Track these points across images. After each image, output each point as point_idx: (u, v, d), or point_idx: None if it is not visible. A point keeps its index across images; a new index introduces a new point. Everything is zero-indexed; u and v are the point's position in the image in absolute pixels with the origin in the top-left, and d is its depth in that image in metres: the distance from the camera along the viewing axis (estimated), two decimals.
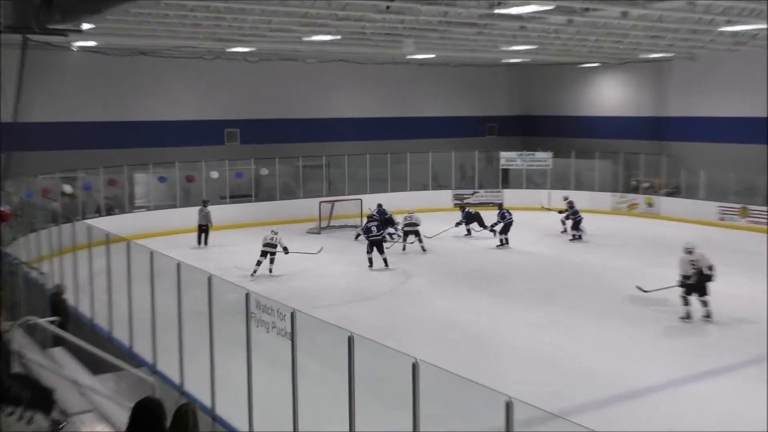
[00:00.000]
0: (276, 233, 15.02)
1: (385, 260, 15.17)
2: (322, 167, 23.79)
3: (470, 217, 19.08)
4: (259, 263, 14.65)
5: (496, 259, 15.96)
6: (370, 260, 14.97)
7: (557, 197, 22.79)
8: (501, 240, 17.16)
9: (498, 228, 17.73)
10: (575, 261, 15.75)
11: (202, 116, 22.14)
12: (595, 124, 26.43)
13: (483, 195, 25.14)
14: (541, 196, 24.45)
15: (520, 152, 25.50)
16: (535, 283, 14.11)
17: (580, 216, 18.50)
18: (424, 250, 16.73)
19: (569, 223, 18.75)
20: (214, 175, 20.98)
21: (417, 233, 17.24)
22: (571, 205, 18.70)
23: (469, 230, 18.88)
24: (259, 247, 15.14)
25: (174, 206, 20.22)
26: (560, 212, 19.12)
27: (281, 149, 23.71)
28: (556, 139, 27.53)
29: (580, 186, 24.61)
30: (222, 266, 14.87)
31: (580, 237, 17.99)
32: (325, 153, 23.92)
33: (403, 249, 16.71)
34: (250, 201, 22.26)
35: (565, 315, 11.80)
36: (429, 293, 13.33)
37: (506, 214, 17.64)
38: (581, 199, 21.97)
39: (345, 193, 23.25)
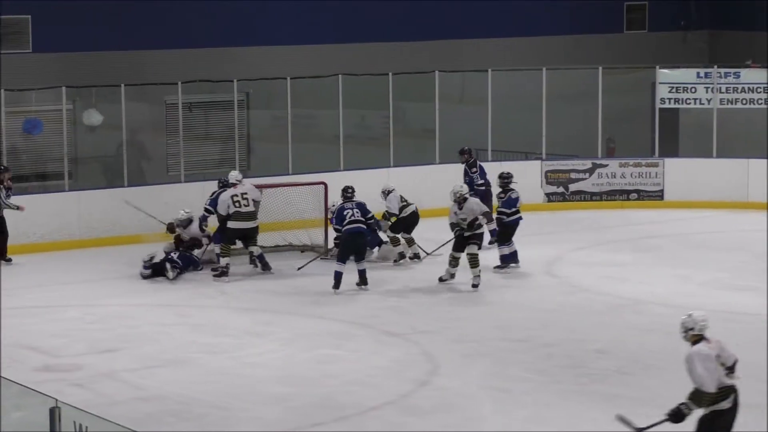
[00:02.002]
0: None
1: None
2: (233, 108, 20.63)
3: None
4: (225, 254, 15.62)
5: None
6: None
7: None
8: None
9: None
10: None
11: None
12: None
13: (617, 171, 21.78)
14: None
15: (703, 68, 22.57)
16: None
17: (512, 214, 16.42)
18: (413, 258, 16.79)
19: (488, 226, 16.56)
20: None
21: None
22: (505, 182, 16.63)
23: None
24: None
25: None
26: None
27: (133, 67, 21.37)
28: None
29: None
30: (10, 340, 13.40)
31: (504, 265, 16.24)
32: (238, 75, 20.81)
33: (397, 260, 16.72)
34: (59, 189, 19.57)
35: None
36: (485, 409, 11.34)
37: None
38: None
39: (287, 169, 20.13)
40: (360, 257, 15.15)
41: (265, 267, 15.83)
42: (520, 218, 16.02)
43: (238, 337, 13.39)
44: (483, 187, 17.49)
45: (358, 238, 15.16)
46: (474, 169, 17.77)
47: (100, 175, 21.63)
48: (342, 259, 14.95)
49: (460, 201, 15.07)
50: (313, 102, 22.25)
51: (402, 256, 16.35)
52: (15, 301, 14.58)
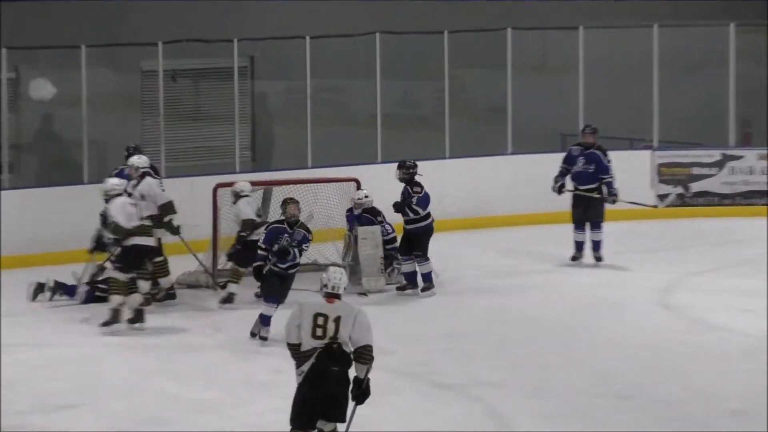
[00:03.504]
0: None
1: None
2: (232, 78, 20.70)
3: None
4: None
5: None
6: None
7: None
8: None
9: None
10: None
11: None
12: None
13: (755, 165, 21.95)
14: None
15: None
16: None
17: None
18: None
19: None
20: None
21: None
22: (411, 172, 17.41)
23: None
24: None
25: None
26: None
27: (98, 22, 21.31)
28: None
29: None
30: None
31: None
32: (239, 33, 20.90)
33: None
34: None
35: None
36: None
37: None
38: None
39: (305, 160, 20.48)
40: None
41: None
42: (433, 221, 16.40)
43: (236, 390, 13.33)
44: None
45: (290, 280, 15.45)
46: (608, 158, 18.16)
47: (51, 168, 21.35)
48: (275, 299, 14.99)
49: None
50: (341, 70, 21.90)
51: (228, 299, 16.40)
52: None
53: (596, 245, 17.30)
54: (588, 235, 17.44)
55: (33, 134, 21.02)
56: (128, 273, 14.62)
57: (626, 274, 17.34)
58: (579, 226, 17.67)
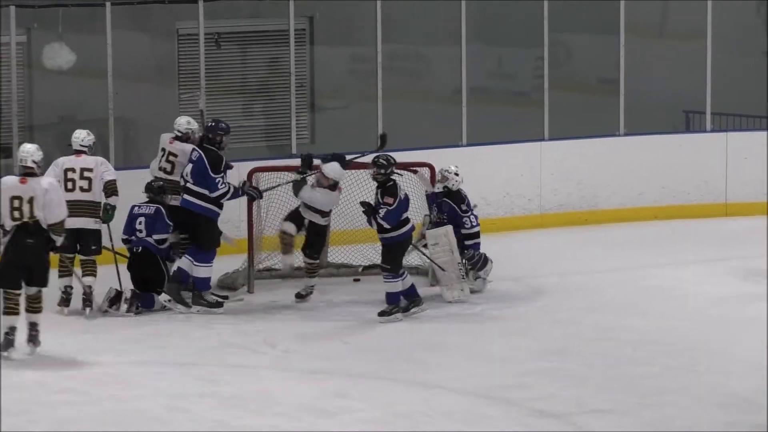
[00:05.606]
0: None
1: None
2: (288, 43, 21.01)
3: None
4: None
5: None
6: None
7: None
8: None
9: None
10: None
11: None
12: None
13: None
14: None
15: None
16: None
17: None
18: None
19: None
20: None
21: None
22: (385, 172, 17.73)
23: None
24: None
25: None
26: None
27: None
28: None
29: None
30: None
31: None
32: None
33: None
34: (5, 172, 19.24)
35: None
36: None
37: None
38: None
39: (375, 142, 19.74)
40: None
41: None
42: (413, 228, 16.59)
43: (295, 417, 13.27)
44: None
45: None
46: None
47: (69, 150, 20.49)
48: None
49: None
50: (419, 35, 21.83)
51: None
52: None
53: None
54: None
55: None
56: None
57: None
58: None
